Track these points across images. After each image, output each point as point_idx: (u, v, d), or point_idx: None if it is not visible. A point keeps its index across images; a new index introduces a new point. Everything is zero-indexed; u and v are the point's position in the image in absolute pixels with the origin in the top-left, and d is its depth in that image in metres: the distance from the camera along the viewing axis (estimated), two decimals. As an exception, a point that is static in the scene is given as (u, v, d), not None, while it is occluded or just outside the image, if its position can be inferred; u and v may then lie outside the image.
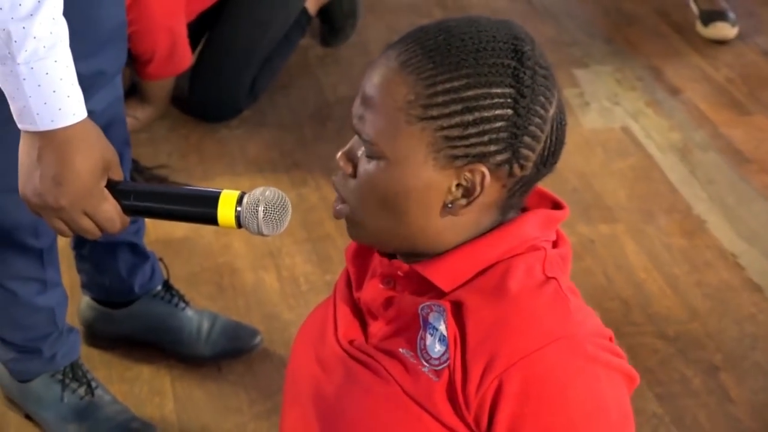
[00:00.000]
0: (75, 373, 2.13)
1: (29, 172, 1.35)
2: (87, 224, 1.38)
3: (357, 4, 3.49)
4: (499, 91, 1.18)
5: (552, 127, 1.22)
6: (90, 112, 1.39)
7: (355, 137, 1.25)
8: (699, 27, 3.62)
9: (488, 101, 1.18)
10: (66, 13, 1.36)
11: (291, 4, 3.24)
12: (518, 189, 1.24)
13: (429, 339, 1.24)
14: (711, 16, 3.59)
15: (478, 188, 1.20)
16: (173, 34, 2.96)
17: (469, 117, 1.18)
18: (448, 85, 1.18)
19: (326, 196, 2.84)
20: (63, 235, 1.41)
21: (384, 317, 1.29)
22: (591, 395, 1.20)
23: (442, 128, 1.18)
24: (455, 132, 1.18)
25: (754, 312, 2.52)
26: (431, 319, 1.24)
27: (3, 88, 1.35)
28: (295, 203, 2.83)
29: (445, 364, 1.22)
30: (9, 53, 1.30)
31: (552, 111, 1.21)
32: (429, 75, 1.18)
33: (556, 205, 1.31)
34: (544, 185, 1.29)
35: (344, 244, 1.31)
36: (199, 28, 3.18)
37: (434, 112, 1.18)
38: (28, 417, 2.19)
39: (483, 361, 1.19)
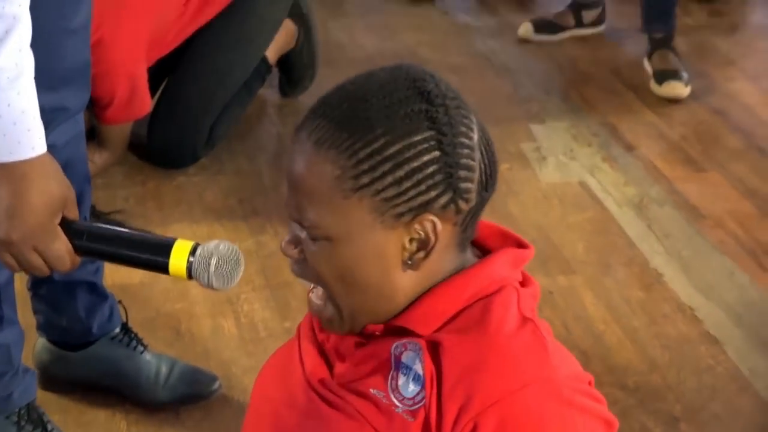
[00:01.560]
0: (30, 415, 2.08)
1: None
2: (36, 261, 1.35)
3: (316, 56, 3.50)
4: (419, 137, 1.17)
5: (481, 151, 1.21)
6: (50, 146, 1.37)
7: (292, 223, 1.24)
8: (653, 86, 3.67)
9: (413, 151, 1.17)
10: (32, 46, 1.34)
11: (251, 52, 3.24)
12: (469, 221, 1.23)
13: (402, 379, 1.22)
14: (665, 75, 3.64)
15: (432, 237, 1.20)
16: (133, 78, 2.95)
17: (400, 172, 1.17)
18: (369, 149, 1.17)
19: (285, 243, 2.82)
20: (12, 270, 1.38)
21: (354, 358, 1.27)
22: None
23: (378, 192, 1.17)
24: (392, 191, 1.17)
25: (712, 364, 2.53)
26: (404, 358, 1.23)
27: None
28: (254, 250, 2.81)
29: (421, 404, 1.20)
30: (-28, 83, 1.28)
31: (476, 136, 1.21)
32: (347, 146, 1.17)
33: (520, 245, 1.30)
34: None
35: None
36: (158, 74, 3.16)
37: (365, 180, 1.17)
38: (-20, 460, 2.15)
39: (458, 401, 1.18)
